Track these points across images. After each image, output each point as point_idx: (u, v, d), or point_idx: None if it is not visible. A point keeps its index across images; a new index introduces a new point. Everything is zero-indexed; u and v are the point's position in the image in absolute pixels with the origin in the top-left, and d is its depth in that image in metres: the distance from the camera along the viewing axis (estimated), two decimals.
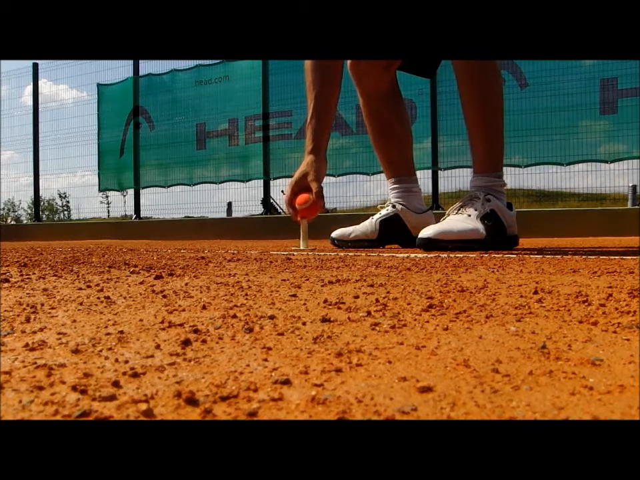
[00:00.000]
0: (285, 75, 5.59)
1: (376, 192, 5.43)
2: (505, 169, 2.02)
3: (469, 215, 1.89)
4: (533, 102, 4.63)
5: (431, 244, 1.82)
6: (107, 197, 7.01)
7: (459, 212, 1.93)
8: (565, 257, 1.39)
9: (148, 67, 6.39)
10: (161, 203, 6.47)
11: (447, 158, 4.99)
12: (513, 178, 4.86)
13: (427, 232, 1.84)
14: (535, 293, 0.70)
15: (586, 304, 0.61)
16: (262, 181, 5.82)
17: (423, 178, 5.13)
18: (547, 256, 1.42)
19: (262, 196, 5.87)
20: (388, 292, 0.72)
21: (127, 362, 0.38)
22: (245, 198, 6.08)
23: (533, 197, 5.27)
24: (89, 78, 6.91)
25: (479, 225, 1.85)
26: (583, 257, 1.40)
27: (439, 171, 5.03)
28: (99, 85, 6.67)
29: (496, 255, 1.48)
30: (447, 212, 1.97)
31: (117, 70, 6.58)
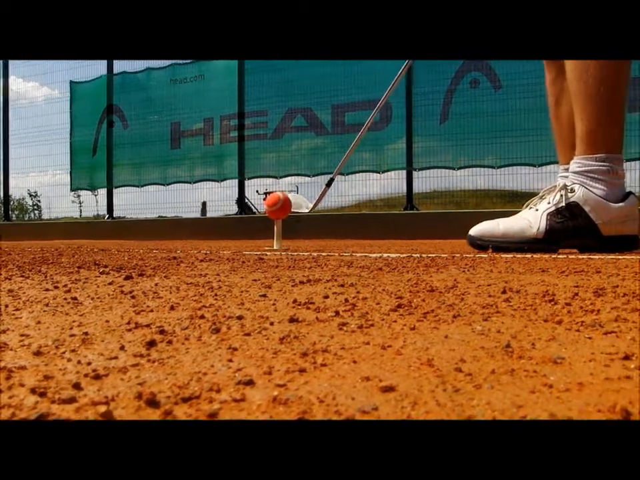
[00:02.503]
0: (261, 75, 5.58)
1: (351, 192, 5.44)
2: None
3: (537, 210, 1.60)
4: (507, 103, 4.68)
5: (471, 242, 1.66)
6: (78, 196, 6.90)
7: (530, 206, 1.65)
8: (534, 256, 1.41)
9: (122, 64, 6.34)
10: (134, 202, 6.41)
11: (422, 159, 5.03)
12: (487, 179, 4.93)
13: (474, 228, 1.66)
14: (504, 292, 0.71)
15: (552, 303, 0.61)
16: (237, 180, 5.80)
17: (398, 178, 5.17)
18: (518, 256, 1.43)
19: (237, 196, 5.85)
20: (358, 292, 0.72)
21: (89, 364, 0.38)
22: (219, 198, 6.05)
23: (506, 198, 5.33)
24: (61, 75, 6.82)
25: (537, 223, 1.58)
26: (553, 256, 1.41)
27: (414, 172, 5.06)
28: (71, 83, 6.58)
29: (467, 255, 1.49)
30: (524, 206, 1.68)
31: (90, 67, 6.51)
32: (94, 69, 6.48)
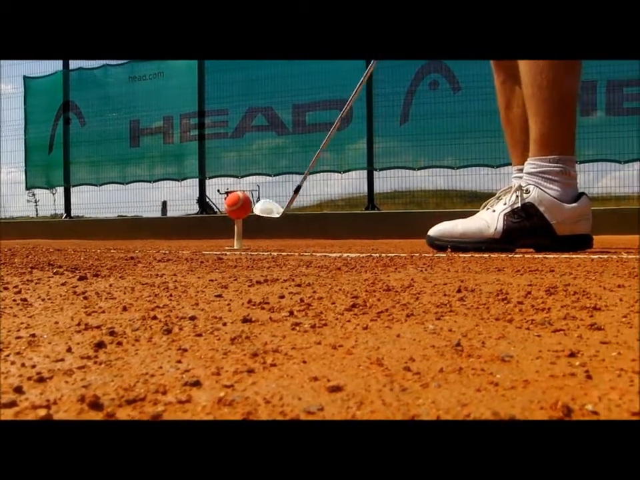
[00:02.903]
0: (221, 73, 5.53)
1: (312, 192, 5.43)
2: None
3: (494, 211, 1.64)
4: (466, 105, 4.75)
5: (430, 242, 1.69)
6: (33, 194, 6.72)
7: (487, 207, 1.69)
8: (492, 255, 1.43)
9: (79, 60, 6.19)
10: (93, 201, 6.29)
11: (382, 159, 5.06)
12: (447, 179, 4.99)
13: (433, 228, 1.69)
14: (459, 291, 0.71)
15: (505, 301, 0.62)
16: (197, 179, 5.74)
17: (359, 178, 5.19)
18: (475, 255, 1.45)
19: (197, 195, 5.79)
20: (314, 291, 0.72)
21: (34, 366, 0.37)
22: (180, 197, 5.97)
23: (466, 198, 5.40)
24: (14, 69, 6.63)
25: (495, 223, 1.62)
26: (509, 255, 1.44)
27: (375, 172, 5.09)
28: (25, 78, 6.41)
29: (426, 255, 1.51)
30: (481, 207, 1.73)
31: (45, 62, 6.34)
32: (49, 64, 6.32)
